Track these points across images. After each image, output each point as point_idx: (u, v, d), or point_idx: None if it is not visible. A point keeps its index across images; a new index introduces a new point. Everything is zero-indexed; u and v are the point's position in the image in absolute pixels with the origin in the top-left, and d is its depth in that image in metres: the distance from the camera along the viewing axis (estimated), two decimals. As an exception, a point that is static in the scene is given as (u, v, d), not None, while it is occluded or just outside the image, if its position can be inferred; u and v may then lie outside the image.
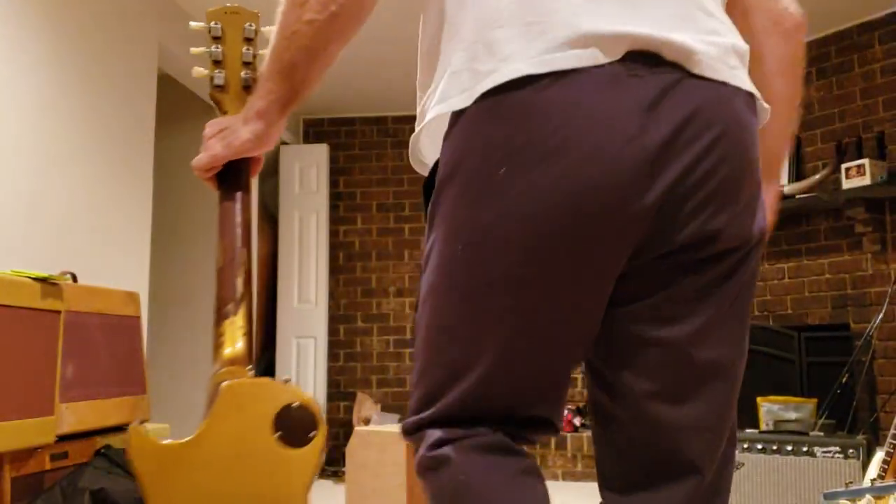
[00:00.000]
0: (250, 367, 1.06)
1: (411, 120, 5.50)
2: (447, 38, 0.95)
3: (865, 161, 3.79)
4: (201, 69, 1.24)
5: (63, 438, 2.21)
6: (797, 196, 4.07)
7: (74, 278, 2.48)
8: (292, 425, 1.00)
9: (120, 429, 2.53)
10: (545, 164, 0.84)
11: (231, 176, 1.17)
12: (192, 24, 1.27)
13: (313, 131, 5.57)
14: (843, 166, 3.89)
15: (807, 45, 4.27)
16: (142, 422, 2.85)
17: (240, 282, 1.11)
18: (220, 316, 1.10)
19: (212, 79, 1.22)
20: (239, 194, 1.16)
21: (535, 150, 0.84)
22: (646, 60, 0.86)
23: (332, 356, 5.37)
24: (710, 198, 0.86)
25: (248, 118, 1.10)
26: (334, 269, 5.49)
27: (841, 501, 2.23)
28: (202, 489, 0.97)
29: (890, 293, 3.74)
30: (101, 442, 2.34)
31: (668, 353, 0.92)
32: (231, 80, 1.21)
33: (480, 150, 0.88)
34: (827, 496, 2.14)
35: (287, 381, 1.04)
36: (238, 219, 1.15)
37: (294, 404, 1.01)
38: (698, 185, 0.86)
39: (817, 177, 4.05)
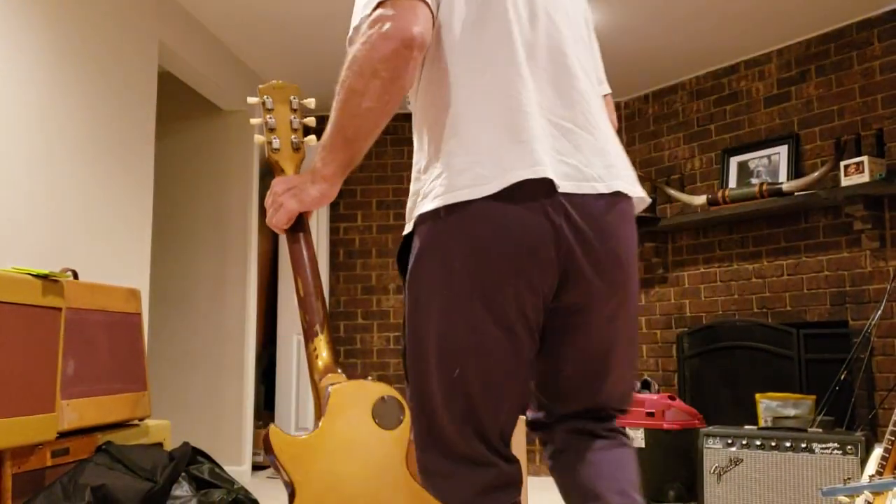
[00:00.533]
0: (339, 371, 1.37)
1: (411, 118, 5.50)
2: (448, 136, 1.30)
3: (864, 158, 3.80)
4: (261, 136, 1.50)
5: (64, 435, 2.21)
6: (796, 193, 4.08)
7: (76, 275, 2.48)
8: (386, 413, 1.31)
9: (121, 425, 2.53)
10: (491, 246, 1.26)
11: (295, 221, 1.43)
12: (250, 98, 1.54)
13: (313, 129, 5.57)
14: (842, 164, 3.89)
15: (806, 42, 4.30)
16: (142, 419, 2.85)
17: (319, 305, 1.41)
18: (310, 335, 1.38)
19: (270, 143, 1.49)
20: (302, 235, 1.43)
21: (487, 238, 1.26)
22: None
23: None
24: (593, 267, 1.31)
25: (315, 179, 1.35)
26: (334, 266, 5.50)
27: (839, 498, 2.23)
28: (330, 468, 1.27)
29: (888, 290, 3.75)
30: (102, 438, 2.35)
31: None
32: (283, 143, 1.49)
33: (469, 238, 1.27)
34: (825, 492, 2.15)
35: (373, 378, 1.36)
36: (306, 256, 1.43)
37: (385, 397, 1.32)
38: (583, 257, 1.30)
39: (816, 174, 4.06)
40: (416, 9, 1.25)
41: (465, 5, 1.32)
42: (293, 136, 1.50)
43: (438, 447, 1.34)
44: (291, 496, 1.25)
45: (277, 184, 1.41)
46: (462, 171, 1.26)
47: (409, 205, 1.39)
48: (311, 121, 1.54)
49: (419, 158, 1.37)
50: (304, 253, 1.42)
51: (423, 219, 1.30)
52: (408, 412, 1.33)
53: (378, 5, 1.25)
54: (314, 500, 1.24)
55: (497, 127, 1.28)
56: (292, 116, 1.51)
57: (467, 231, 1.25)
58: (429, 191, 1.30)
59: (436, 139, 1.32)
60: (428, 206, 1.28)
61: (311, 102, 1.53)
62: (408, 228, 1.36)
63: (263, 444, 1.29)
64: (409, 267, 1.33)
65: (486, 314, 1.26)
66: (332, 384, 1.33)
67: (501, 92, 1.29)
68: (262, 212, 5.07)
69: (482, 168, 1.25)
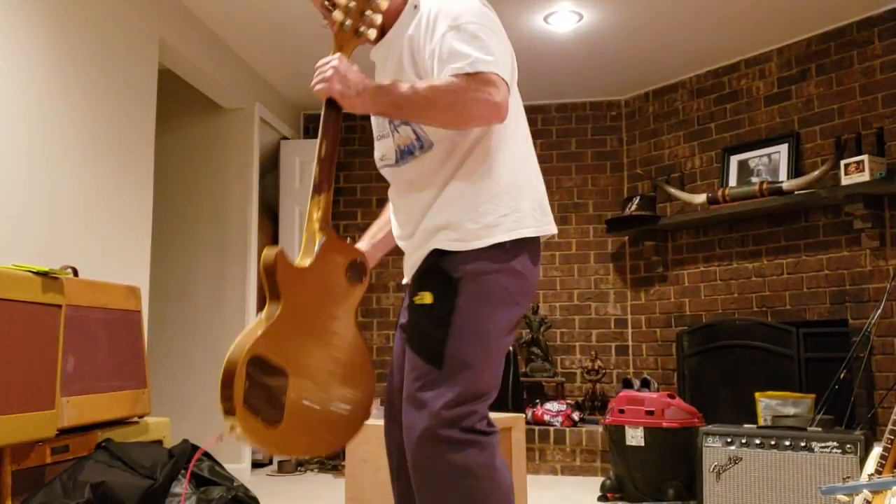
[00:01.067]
0: (330, 226, 1.68)
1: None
2: (515, 183, 1.69)
3: (864, 157, 3.80)
4: (339, 14, 1.68)
5: (64, 432, 2.22)
6: (796, 192, 4.08)
7: (75, 273, 2.48)
8: (355, 271, 1.67)
9: (121, 422, 2.53)
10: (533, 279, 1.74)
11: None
12: None
13: (313, 126, 5.58)
14: (843, 162, 3.90)
15: (807, 41, 4.29)
16: (142, 416, 2.84)
17: (332, 169, 1.69)
18: (320, 189, 1.67)
19: (342, 23, 1.68)
20: (335, 112, 1.67)
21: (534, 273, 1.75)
22: None
23: (332, 351, 5.36)
24: None
25: (361, 94, 1.60)
26: (334, 265, 5.49)
27: (838, 496, 2.24)
28: (306, 293, 1.61)
29: (888, 289, 3.75)
30: (101, 435, 2.35)
31: None
32: (351, 27, 1.68)
33: (522, 266, 1.69)
34: (824, 491, 2.15)
35: (352, 240, 1.74)
36: (335, 127, 1.69)
37: (358, 259, 1.69)
38: None
39: (816, 173, 4.06)
40: (508, 93, 1.60)
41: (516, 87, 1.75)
42: (360, 26, 1.69)
43: (469, 420, 1.58)
44: (273, 301, 1.57)
45: (340, 60, 1.63)
46: (526, 213, 1.68)
47: (459, 223, 1.65)
48: (378, 18, 1.70)
49: (476, 183, 1.67)
50: (334, 125, 1.68)
51: (497, 244, 1.64)
52: (368, 276, 1.71)
53: (498, 74, 1.57)
54: (291, 311, 1.58)
55: (540, 184, 1.75)
56: (368, 9, 1.69)
57: (528, 259, 1.68)
58: (499, 223, 1.65)
59: (500, 182, 1.67)
60: (504, 236, 1.65)
61: (383, 4, 1.70)
62: (462, 246, 1.64)
63: (266, 262, 1.55)
64: (473, 275, 1.63)
65: (517, 321, 1.70)
66: (326, 235, 1.65)
67: (535, 159, 1.77)
68: (262, 210, 5.08)
69: (541, 214, 1.71)
